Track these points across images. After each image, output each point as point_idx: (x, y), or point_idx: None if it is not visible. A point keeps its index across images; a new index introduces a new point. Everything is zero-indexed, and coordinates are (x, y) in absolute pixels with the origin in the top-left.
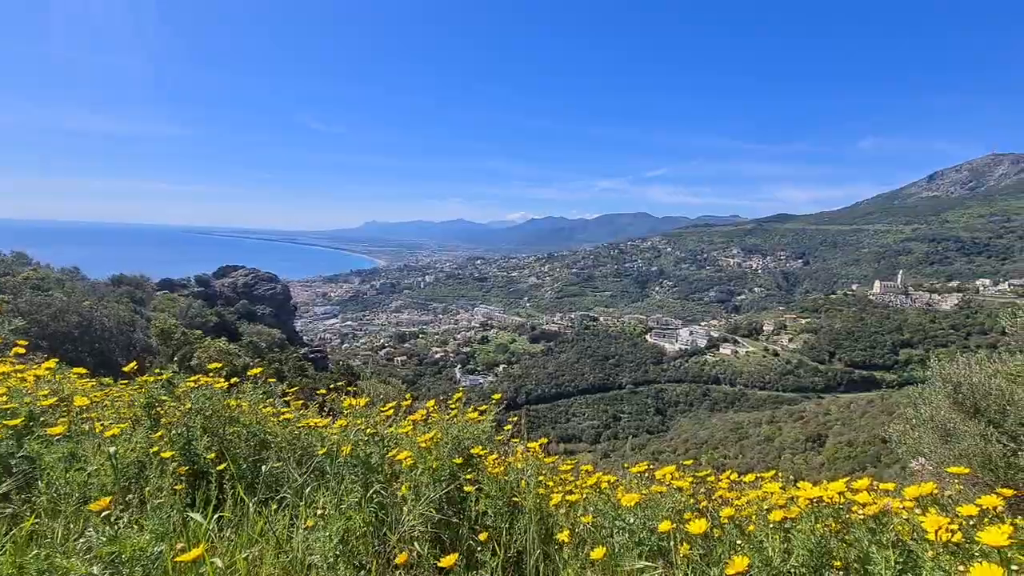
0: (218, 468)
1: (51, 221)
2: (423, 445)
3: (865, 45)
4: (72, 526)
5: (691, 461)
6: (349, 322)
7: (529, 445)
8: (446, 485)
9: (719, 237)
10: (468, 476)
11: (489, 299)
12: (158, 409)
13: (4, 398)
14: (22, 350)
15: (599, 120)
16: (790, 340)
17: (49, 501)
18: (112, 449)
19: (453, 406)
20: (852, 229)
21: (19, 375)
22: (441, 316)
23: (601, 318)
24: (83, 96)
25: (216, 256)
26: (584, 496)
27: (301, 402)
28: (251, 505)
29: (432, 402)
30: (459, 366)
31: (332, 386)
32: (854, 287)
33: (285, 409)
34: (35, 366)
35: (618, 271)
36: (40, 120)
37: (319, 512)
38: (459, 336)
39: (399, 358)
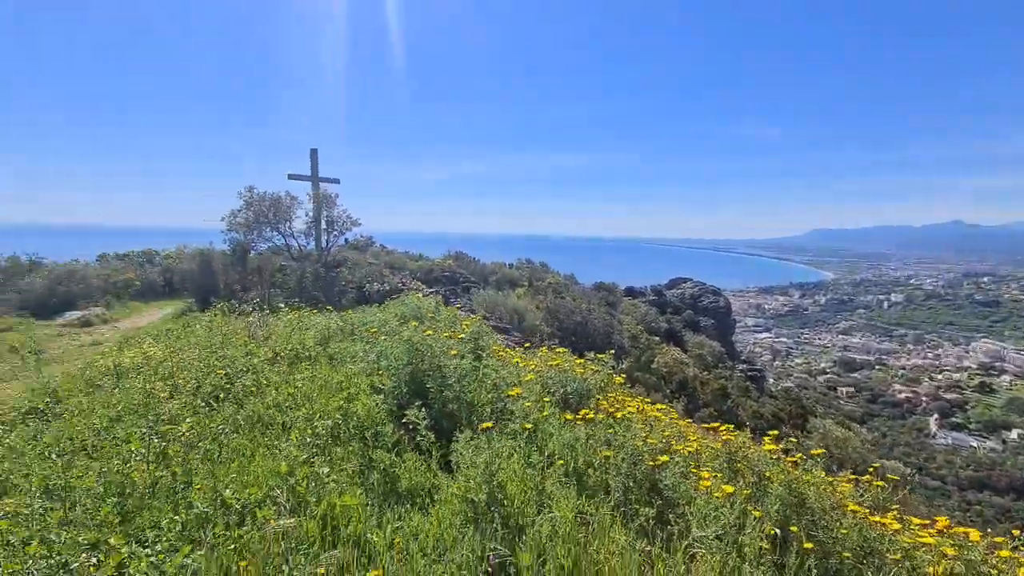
0: (805, 546)
1: (524, 235)
2: None
3: None
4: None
5: None
6: (783, 338)
7: None
8: None
9: None
10: None
11: (1000, 332)
12: (737, 464)
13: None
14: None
15: None
16: None
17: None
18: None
19: None
20: None
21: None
22: (912, 347)
23: None
24: (563, 144)
25: (656, 266)
26: None
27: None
28: None
29: None
30: (936, 415)
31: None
32: None
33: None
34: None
35: None
36: (534, 162)
37: None
38: (940, 376)
39: (844, 389)
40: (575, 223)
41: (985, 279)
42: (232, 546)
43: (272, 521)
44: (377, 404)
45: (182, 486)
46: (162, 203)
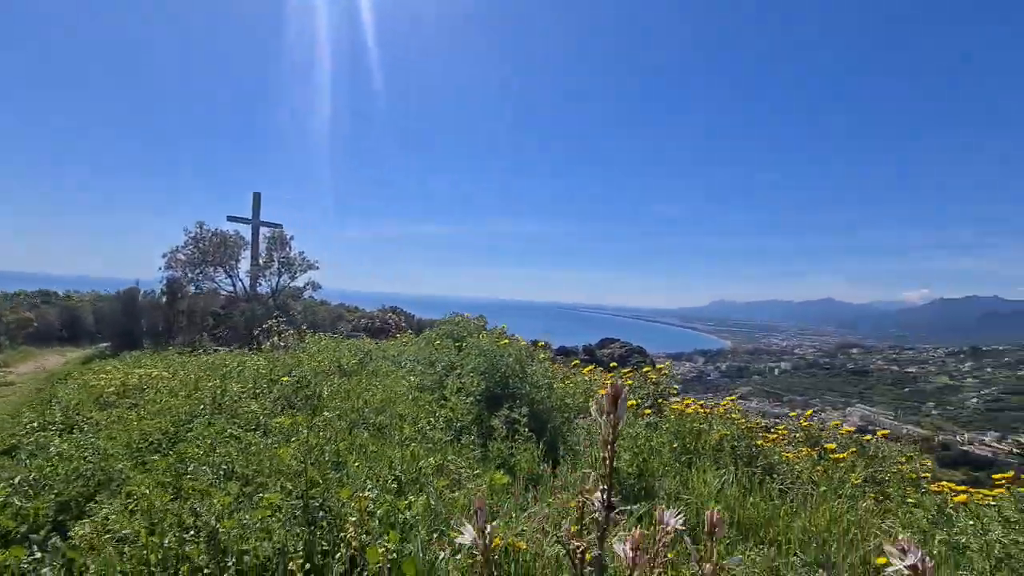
0: None
1: (454, 297)
2: None
3: None
4: None
5: None
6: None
7: None
8: None
9: None
10: None
11: (870, 398)
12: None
13: None
14: None
15: None
16: None
17: None
18: None
19: None
20: None
21: None
22: (800, 411)
23: None
24: (511, 211)
25: (577, 329)
26: None
27: None
28: None
29: None
30: None
31: None
32: None
33: None
34: None
35: None
36: (486, 227)
37: None
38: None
39: None
40: (505, 288)
41: (855, 350)
42: (450, 496)
43: (455, 490)
44: (467, 405)
45: (335, 467)
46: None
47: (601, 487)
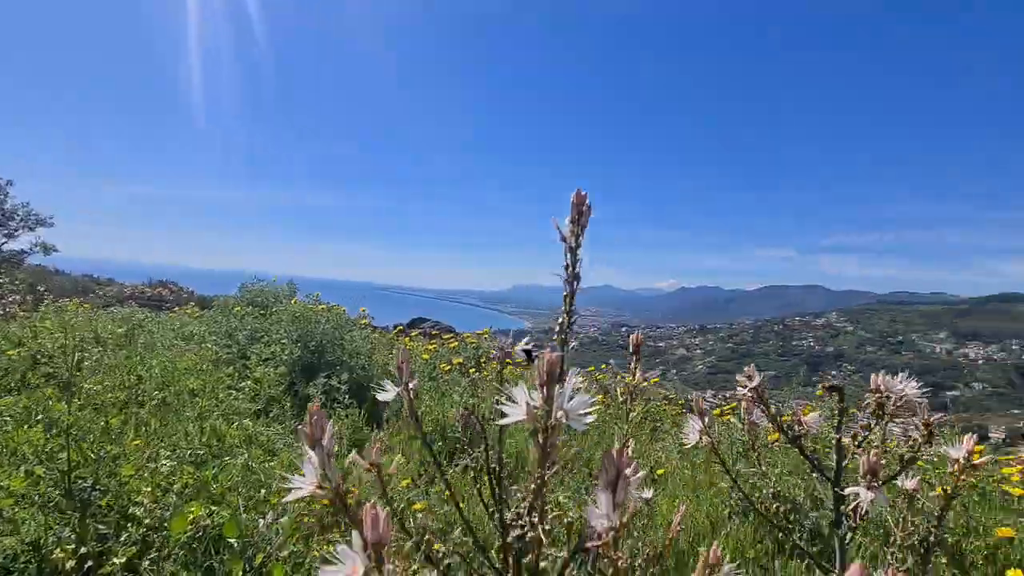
0: None
1: (293, 276)
2: None
3: None
4: None
5: None
6: None
7: None
8: None
9: (919, 318)
10: None
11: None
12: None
13: None
14: None
15: (761, 182)
16: None
17: None
18: None
19: None
20: None
21: None
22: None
23: None
24: (313, 179)
25: (387, 309)
26: None
27: None
28: None
29: None
30: None
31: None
32: None
33: None
34: None
35: (783, 349)
36: (276, 198)
37: None
38: None
39: None
40: (308, 264)
41: (623, 329)
42: (268, 465)
43: (270, 460)
44: (276, 375)
45: (111, 443)
46: None
47: (565, 307)
